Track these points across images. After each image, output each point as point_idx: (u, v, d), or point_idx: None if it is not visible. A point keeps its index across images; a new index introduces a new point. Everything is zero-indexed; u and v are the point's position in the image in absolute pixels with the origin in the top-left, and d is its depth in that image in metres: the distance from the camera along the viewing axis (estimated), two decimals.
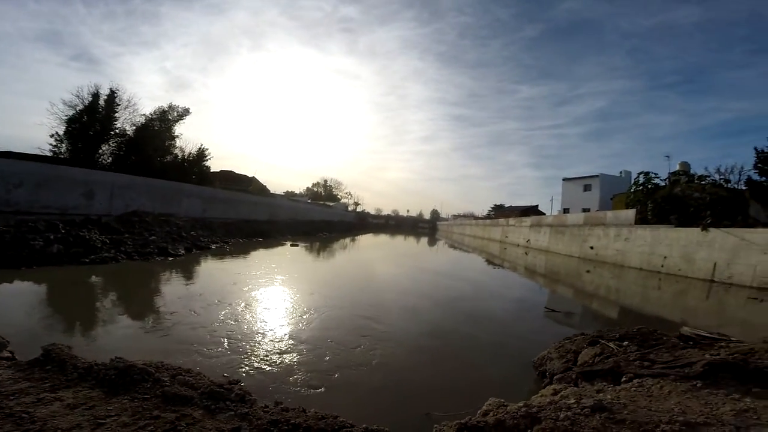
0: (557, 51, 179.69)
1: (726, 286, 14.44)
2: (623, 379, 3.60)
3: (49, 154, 24.53)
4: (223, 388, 3.12)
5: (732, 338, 4.78)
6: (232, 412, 2.76)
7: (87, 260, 11.47)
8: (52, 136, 24.86)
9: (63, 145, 25.18)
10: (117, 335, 5.93)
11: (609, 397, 2.99)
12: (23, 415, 2.54)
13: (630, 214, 22.81)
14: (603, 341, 4.99)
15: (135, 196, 21.91)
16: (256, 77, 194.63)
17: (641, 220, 21.97)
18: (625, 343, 4.79)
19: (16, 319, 6.12)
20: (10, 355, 4.21)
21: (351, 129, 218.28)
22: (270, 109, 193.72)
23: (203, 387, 3.05)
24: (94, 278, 10.03)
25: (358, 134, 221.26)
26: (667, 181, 25.14)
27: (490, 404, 3.04)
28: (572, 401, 2.78)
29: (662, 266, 18.38)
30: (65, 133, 25.05)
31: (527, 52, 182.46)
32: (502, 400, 3.07)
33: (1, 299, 7.17)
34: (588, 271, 19.78)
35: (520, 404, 2.81)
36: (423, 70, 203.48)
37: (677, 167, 28.31)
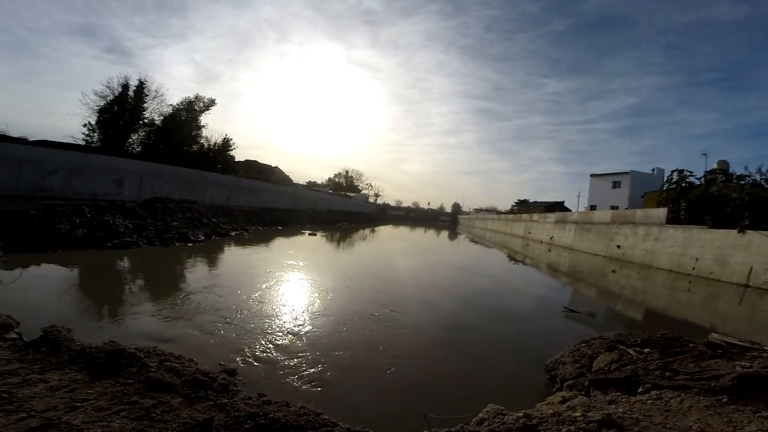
0: (587, 46, 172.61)
1: (761, 292, 13.46)
2: (640, 389, 3.27)
3: (82, 143, 25.64)
4: (208, 376, 3.03)
5: (765, 347, 4.33)
6: (211, 402, 2.66)
7: (109, 244, 11.81)
8: (84, 125, 26.05)
9: (95, 134, 26.31)
10: (128, 319, 6.01)
11: (621, 410, 2.69)
12: (4, 395, 2.51)
13: (661, 213, 21.66)
14: (622, 347, 4.64)
15: (162, 184, 22.59)
16: (281, 69, 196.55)
17: (673, 219, 20.79)
18: (647, 349, 4.42)
19: (34, 302, 6.27)
20: (16, 336, 4.27)
21: (372, 121, 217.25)
22: (294, 100, 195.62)
23: (188, 374, 2.96)
24: (115, 263, 10.31)
25: (380, 126, 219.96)
26: (702, 180, 23.63)
27: (487, 411, 2.80)
28: (578, 414, 2.51)
29: (693, 268, 17.36)
30: (97, 122, 26.14)
31: (555, 46, 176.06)
32: (502, 408, 2.83)
33: (24, 282, 7.40)
34: (614, 271, 18.94)
35: (520, 414, 2.57)
36: (446, 63, 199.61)
37: (714, 166, 26.67)
